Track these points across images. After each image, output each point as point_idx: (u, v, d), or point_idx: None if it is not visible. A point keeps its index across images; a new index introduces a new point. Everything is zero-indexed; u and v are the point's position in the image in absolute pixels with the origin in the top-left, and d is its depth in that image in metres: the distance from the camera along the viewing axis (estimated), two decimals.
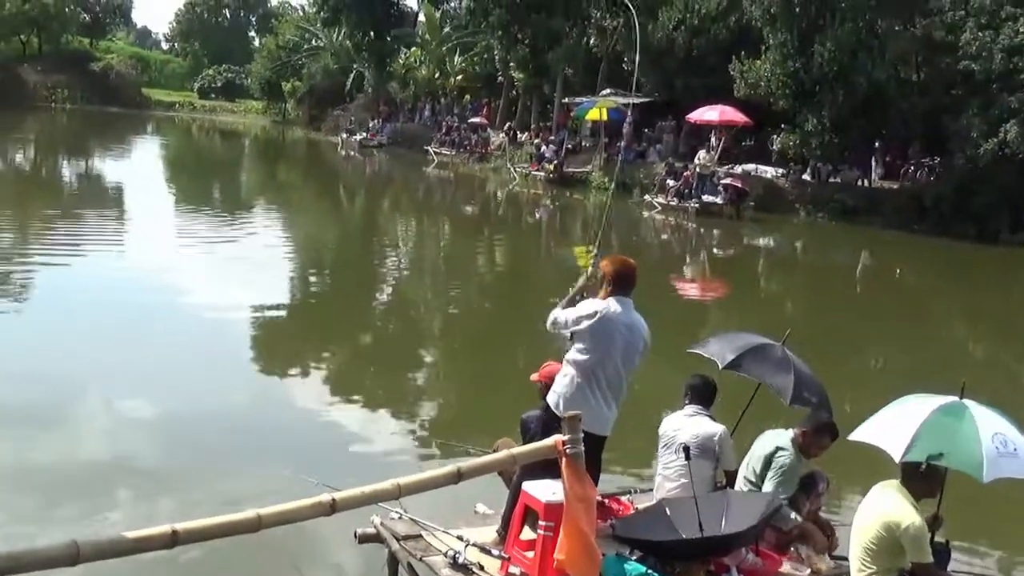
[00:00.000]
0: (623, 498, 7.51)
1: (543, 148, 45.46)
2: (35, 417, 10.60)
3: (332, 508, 4.06)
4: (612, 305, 6.72)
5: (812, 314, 21.57)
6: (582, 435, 4.86)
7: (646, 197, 37.88)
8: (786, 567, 6.58)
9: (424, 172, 50.03)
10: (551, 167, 43.17)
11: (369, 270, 23.22)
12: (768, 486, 6.89)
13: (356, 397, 12.78)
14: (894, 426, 6.26)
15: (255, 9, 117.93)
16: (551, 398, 6.78)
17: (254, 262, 21.82)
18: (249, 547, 7.70)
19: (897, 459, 6.10)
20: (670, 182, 36.87)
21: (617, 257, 7.06)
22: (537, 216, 38.80)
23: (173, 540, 3.61)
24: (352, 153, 58.38)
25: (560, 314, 6.86)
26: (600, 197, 40.37)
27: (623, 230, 35.01)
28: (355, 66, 69.15)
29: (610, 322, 6.68)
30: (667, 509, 6.58)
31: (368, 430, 11.39)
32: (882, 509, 6.09)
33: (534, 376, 7.36)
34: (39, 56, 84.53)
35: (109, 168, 44.32)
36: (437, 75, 63.01)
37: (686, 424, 7.20)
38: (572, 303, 7.01)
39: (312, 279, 22.12)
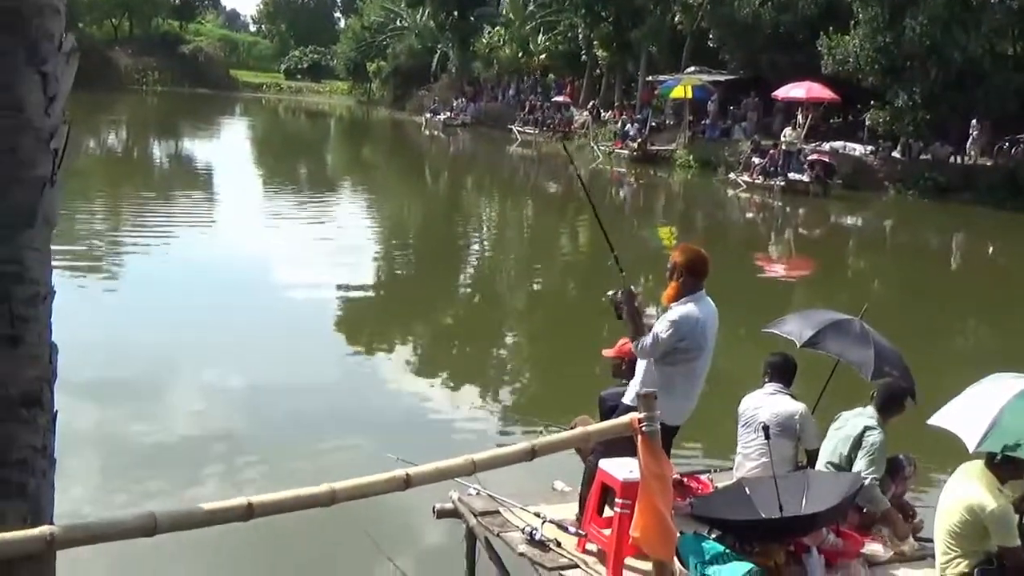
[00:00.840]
0: (703, 477, 7.46)
1: (627, 126, 45.18)
2: (127, 389, 10.92)
3: (406, 483, 4.09)
4: (699, 311, 6.59)
5: (899, 294, 21.16)
6: (658, 412, 4.85)
7: (731, 175, 37.45)
8: (868, 548, 6.49)
9: (507, 151, 50.04)
10: (635, 145, 42.89)
11: (452, 249, 23.31)
12: (859, 467, 6.76)
13: (437, 373, 12.87)
14: (971, 412, 6.09)
15: None
16: (632, 391, 6.64)
17: (340, 241, 22.05)
18: (328, 520, 7.87)
19: (971, 449, 5.96)
20: (755, 160, 36.38)
21: (688, 247, 6.91)
22: (620, 195, 38.57)
23: (249, 512, 3.66)
24: (436, 133, 58.57)
25: (645, 344, 6.57)
26: (685, 175, 40.10)
27: (708, 209, 34.81)
28: (439, 46, 69.31)
29: (704, 331, 6.59)
30: (746, 488, 6.53)
31: (448, 406, 11.49)
32: (965, 492, 5.99)
33: (608, 351, 7.32)
34: (130, 39, 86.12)
35: (199, 149, 45.09)
36: (521, 54, 62.85)
37: (766, 402, 7.12)
38: (639, 324, 6.71)
39: (396, 257, 22.30)
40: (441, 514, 7.03)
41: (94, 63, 75.87)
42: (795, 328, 7.71)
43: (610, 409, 6.80)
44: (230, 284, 16.57)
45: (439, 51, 69.32)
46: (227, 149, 45.44)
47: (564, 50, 57.67)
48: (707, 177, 38.90)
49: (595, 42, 50.52)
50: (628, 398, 6.65)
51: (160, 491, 8.36)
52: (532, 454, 4.53)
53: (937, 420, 6.29)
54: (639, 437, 4.84)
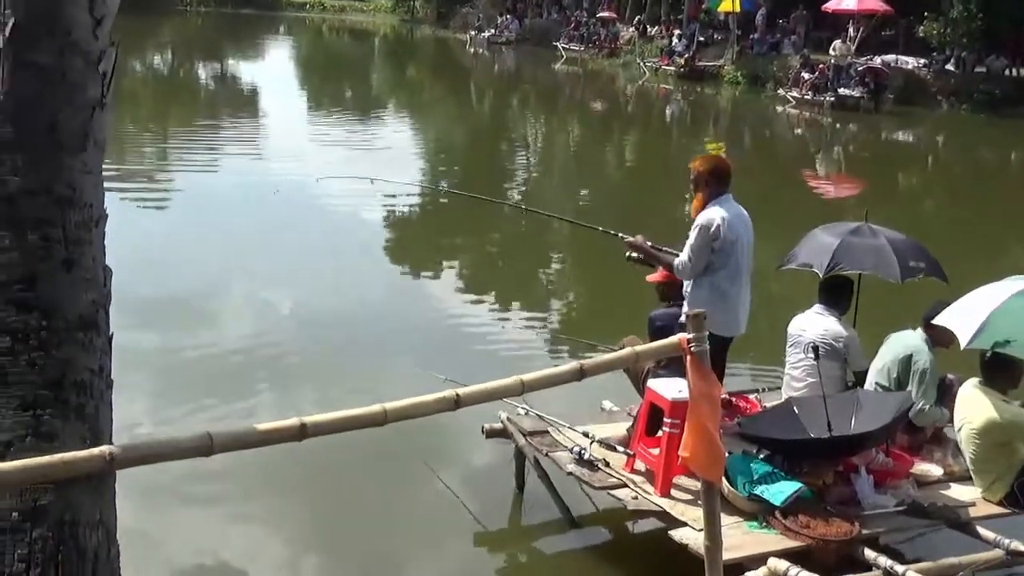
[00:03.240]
0: (751, 396, 7.45)
1: (674, 42, 44.52)
2: (178, 311, 11.01)
3: (456, 403, 4.10)
4: (724, 210, 6.60)
5: (954, 211, 20.88)
6: (707, 333, 4.83)
7: (779, 91, 36.86)
8: (918, 468, 6.47)
9: (553, 69, 49.52)
10: (682, 61, 42.26)
11: (498, 169, 23.19)
12: (914, 393, 6.70)
13: (485, 295, 12.91)
14: (969, 311, 6.03)
15: None
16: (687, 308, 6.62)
17: (385, 162, 21.97)
18: (379, 440, 7.95)
19: (963, 345, 5.91)
20: (805, 75, 35.74)
21: (706, 156, 7.03)
22: (667, 112, 38.18)
23: (302, 433, 3.69)
24: (480, 50, 57.99)
25: (683, 260, 6.64)
26: (732, 91, 39.54)
27: (756, 126, 34.38)
28: None
29: (732, 227, 6.57)
30: (795, 408, 6.52)
31: (496, 327, 11.52)
32: (974, 416, 5.98)
33: (652, 276, 7.29)
34: None
35: (244, 70, 44.95)
36: None
37: (814, 322, 7.08)
38: (663, 256, 6.89)
39: (441, 178, 22.23)
40: (490, 434, 7.09)
41: None
42: (811, 258, 7.51)
43: (658, 329, 6.79)
44: (278, 207, 16.60)
45: None
46: (272, 70, 45.24)
47: None
48: (755, 93, 38.32)
49: None
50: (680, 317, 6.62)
51: (214, 410, 8.47)
52: (581, 374, 4.54)
53: (940, 319, 6.24)
54: (688, 357, 4.83)
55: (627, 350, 4.97)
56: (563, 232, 16.96)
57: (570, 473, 6.35)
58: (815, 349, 6.61)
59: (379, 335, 10.85)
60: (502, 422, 7.00)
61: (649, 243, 7.03)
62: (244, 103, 33.19)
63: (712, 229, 6.54)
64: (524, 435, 6.79)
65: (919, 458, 6.60)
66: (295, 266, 13.07)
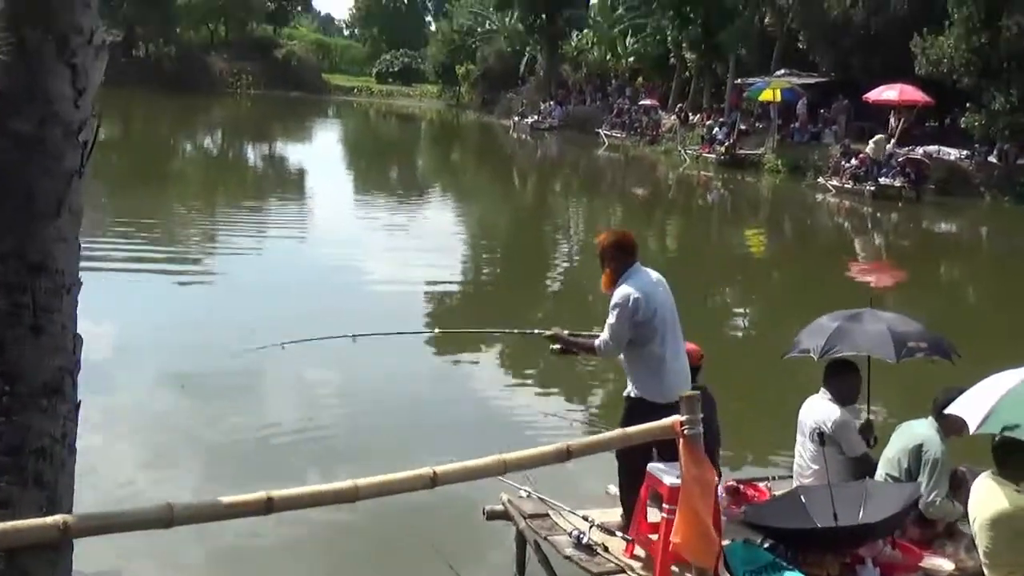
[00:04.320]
0: (761, 484, 7.30)
1: (715, 130, 44.74)
2: (228, 384, 11.05)
3: (433, 481, 4.04)
4: (637, 284, 6.59)
5: (996, 304, 20.54)
6: (701, 416, 4.75)
7: (819, 179, 36.79)
8: (928, 562, 6.26)
9: (595, 155, 49.91)
10: (722, 149, 42.41)
11: (539, 253, 23.18)
12: (924, 484, 6.53)
13: (519, 374, 12.73)
14: (978, 397, 5.85)
15: None
16: (639, 391, 6.60)
17: (429, 245, 22.07)
18: (383, 515, 7.90)
19: (971, 430, 5.74)
20: (845, 164, 35.69)
21: (610, 230, 7.01)
22: (708, 199, 38.20)
23: (268, 507, 3.64)
24: (524, 136, 58.60)
25: (604, 340, 6.66)
26: (773, 179, 39.55)
27: (796, 214, 34.29)
28: (527, 49, 69.43)
29: (649, 299, 6.55)
30: (802, 496, 6.37)
31: (528, 406, 11.31)
32: (988, 510, 5.80)
33: None
34: (225, 44, 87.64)
35: (292, 152, 45.63)
36: (608, 57, 62.63)
37: (811, 408, 6.96)
38: (581, 342, 7.00)
39: (484, 263, 22.24)
40: (491, 515, 6.99)
41: (191, 67, 77.69)
42: (809, 343, 7.36)
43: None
44: (323, 286, 16.71)
45: (527, 54, 69.48)
46: (319, 152, 45.98)
47: (652, 53, 57.28)
48: (795, 182, 38.29)
49: (683, 44, 50.18)
50: (639, 392, 6.64)
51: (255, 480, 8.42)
52: (568, 455, 4.47)
53: (951, 407, 6.08)
54: (680, 440, 4.75)
55: (617, 432, 4.91)
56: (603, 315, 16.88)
57: (568, 557, 6.23)
58: (820, 436, 6.48)
59: (413, 411, 10.77)
60: (503, 504, 6.91)
61: (566, 332, 7.11)
62: (291, 185, 33.73)
63: (630, 306, 6.49)
64: (524, 517, 6.69)
65: (930, 552, 6.40)
66: (337, 348, 12.74)
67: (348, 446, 9.85)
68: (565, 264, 22.45)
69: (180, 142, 47.13)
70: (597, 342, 6.71)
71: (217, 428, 10.08)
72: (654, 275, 6.77)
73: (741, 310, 18.92)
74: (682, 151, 45.71)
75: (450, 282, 18.46)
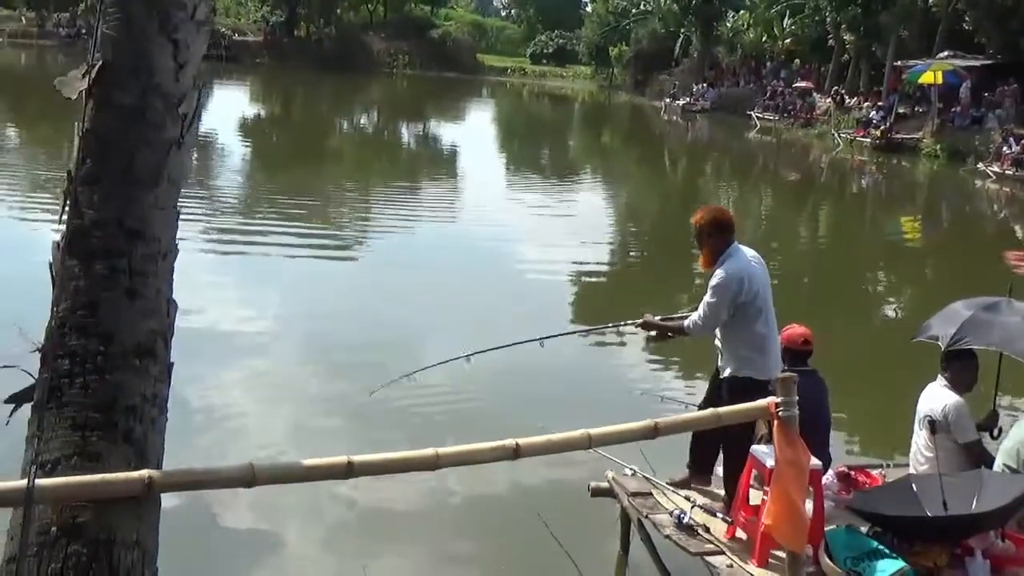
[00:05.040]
0: (874, 472, 7.13)
1: (871, 113, 43.52)
2: (375, 356, 11.09)
3: (516, 453, 4.08)
4: (739, 264, 6.55)
5: None
6: (796, 398, 4.68)
7: (979, 165, 35.48)
8: None
9: (746, 137, 49.11)
10: (878, 133, 41.22)
11: (688, 237, 22.83)
12: None
13: (664, 357, 12.54)
14: None
15: None
16: (745, 370, 6.55)
17: (578, 226, 21.97)
18: (498, 490, 8.02)
19: None
20: (1007, 149, 34.34)
21: (706, 207, 6.91)
22: (862, 184, 37.19)
23: (348, 471, 3.74)
24: (675, 118, 58.01)
25: (697, 319, 6.61)
26: (930, 165, 38.32)
27: (954, 201, 33.13)
28: (682, 30, 68.69)
29: (752, 279, 6.53)
30: (913, 485, 6.20)
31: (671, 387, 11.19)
32: None
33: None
34: (383, 24, 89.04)
35: (446, 132, 46.03)
36: (764, 38, 61.48)
37: (926, 396, 6.76)
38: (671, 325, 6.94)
39: (632, 246, 22.09)
40: (596, 492, 7.01)
41: (350, 47, 79.24)
42: (939, 330, 7.09)
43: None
44: (473, 266, 16.88)
45: (682, 35, 68.70)
46: (472, 132, 46.22)
47: (810, 34, 56.04)
48: (954, 168, 37.03)
49: (842, 25, 48.93)
50: (724, 372, 6.69)
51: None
52: (655, 432, 4.47)
53: None
54: (775, 422, 4.70)
55: (708, 411, 4.86)
56: None
57: (667, 536, 6.21)
58: (932, 424, 6.31)
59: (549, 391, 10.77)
60: (608, 481, 6.92)
61: (657, 317, 7.06)
62: (444, 165, 34.03)
63: (733, 287, 6.46)
64: (628, 495, 6.68)
65: None
66: (481, 325, 12.66)
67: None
68: None
69: (337, 121, 48.11)
70: (687, 322, 6.69)
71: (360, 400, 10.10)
72: (751, 253, 6.73)
73: (885, 296, 18.45)
74: (836, 134, 44.65)
75: (597, 263, 18.34)
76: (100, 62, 3.65)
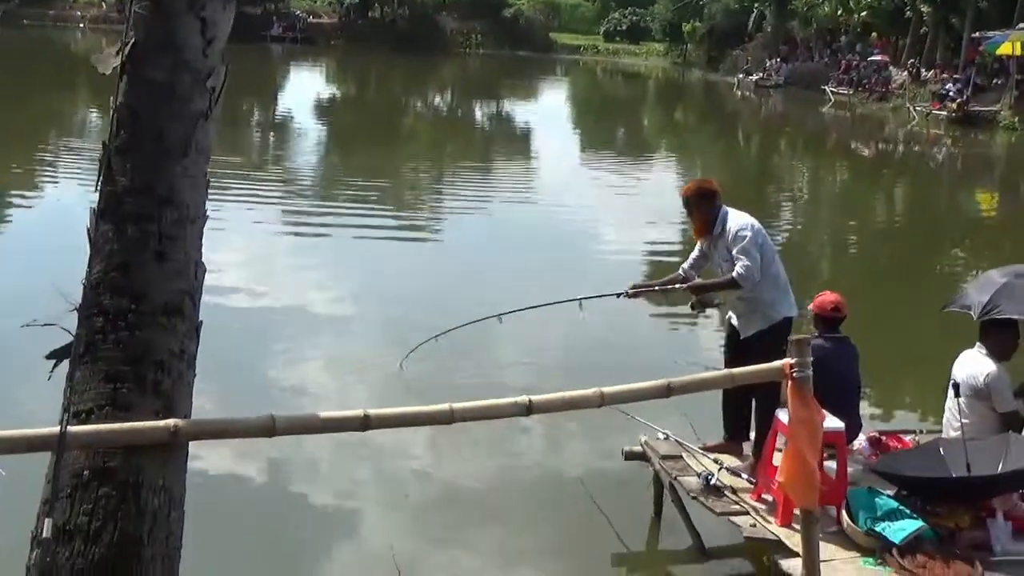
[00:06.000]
0: (906, 438, 7.21)
1: (947, 86, 42.81)
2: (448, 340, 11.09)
3: (528, 410, 4.26)
4: (736, 215, 7.03)
5: None
6: (810, 359, 4.80)
7: None
8: None
9: (820, 112, 48.62)
10: (953, 106, 40.56)
11: (761, 213, 22.56)
12: None
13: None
14: None
15: None
16: (784, 312, 6.89)
17: (651, 206, 21.85)
18: (539, 453, 8.23)
19: None
20: None
21: (692, 181, 7.37)
22: (937, 158, 36.59)
23: (365, 424, 3.95)
24: (748, 94, 57.58)
25: (742, 269, 6.75)
26: (1008, 138, 37.63)
27: None
28: (756, 5, 68.00)
29: (756, 222, 7.04)
30: (940, 448, 6.29)
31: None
32: None
33: (809, 306, 7.17)
34: (456, 4, 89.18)
35: (519, 111, 46.04)
36: (840, 11, 60.58)
37: (965, 362, 6.79)
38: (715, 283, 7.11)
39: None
40: (629, 456, 7.18)
41: (423, 28, 79.54)
42: (972, 298, 7.09)
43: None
44: (543, 246, 16.83)
45: (756, 10, 68.04)
46: (546, 111, 46.07)
47: (886, 6, 55.14)
48: None
49: None
50: (751, 328, 6.95)
51: None
52: (668, 391, 4.62)
53: None
54: (789, 383, 4.83)
55: (723, 372, 5.01)
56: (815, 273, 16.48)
57: (695, 497, 6.37)
58: (956, 387, 6.38)
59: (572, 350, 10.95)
60: (641, 445, 7.09)
61: (698, 280, 7.20)
62: (517, 144, 34.00)
63: (753, 232, 6.86)
64: (659, 458, 6.85)
65: None
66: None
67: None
68: (791, 224, 21.95)
69: (412, 101, 48.46)
70: (734, 274, 6.81)
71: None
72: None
73: (952, 270, 18.22)
74: (911, 108, 43.99)
75: (667, 243, 18.22)
76: (132, 40, 3.88)
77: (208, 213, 4.08)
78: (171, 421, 3.65)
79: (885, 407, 9.69)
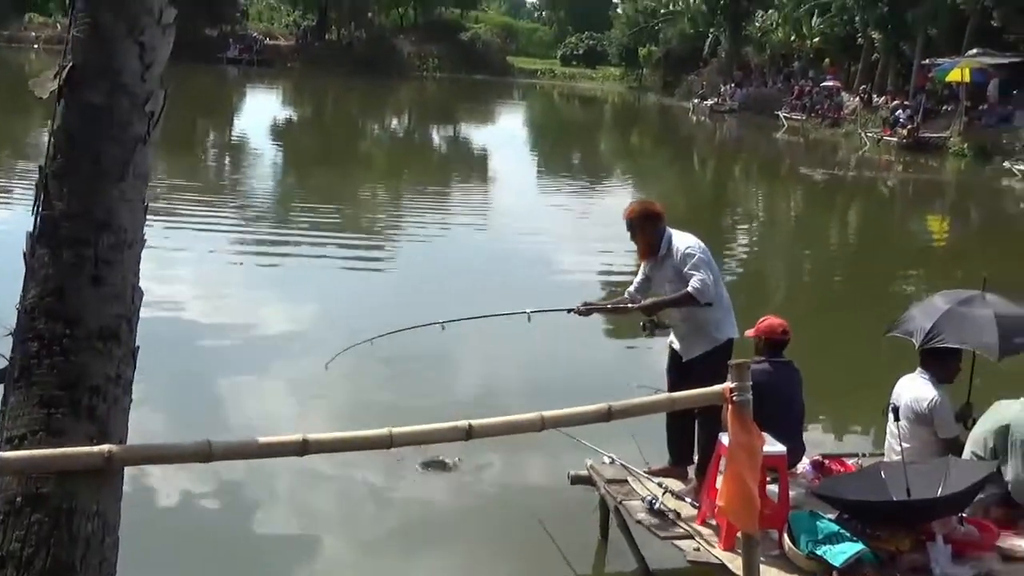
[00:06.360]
0: (849, 461, 7.27)
1: (898, 112, 43.40)
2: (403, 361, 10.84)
3: (468, 434, 4.24)
4: (681, 235, 7.11)
5: None
6: (750, 383, 4.83)
7: (1006, 164, 35.29)
8: (1005, 541, 6.13)
9: (774, 137, 49.12)
10: (904, 132, 41.12)
11: (716, 237, 22.65)
12: (1012, 466, 6.41)
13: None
14: None
15: None
16: (728, 333, 6.99)
17: (609, 233, 21.68)
18: (488, 477, 8.23)
19: None
20: None
21: (635, 202, 7.48)
22: (888, 183, 36.99)
23: (303, 449, 3.93)
24: (703, 119, 58.11)
25: (699, 285, 6.79)
26: (957, 164, 38.16)
27: (981, 200, 32.96)
28: (711, 30, 68.74)
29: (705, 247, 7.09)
30: (882, 472, 6.35)
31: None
32: None
33: (750, 332, 7.20)
34: (414, 27, 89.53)
35: (476, 134, 46.13)
36: (793, 37, 61.38)
37: (906, 387, 6.87)
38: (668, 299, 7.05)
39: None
40: (575, 480, 7.19)
41: (380, 51, 79.65)
42: (914, 324, 7.14)
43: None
44: (496, 268, 16.81)
45: (710, 35, 68.78)
46: (503, 134, 46.17)
47: (839, 33, 55.88)
48: (981, 166, 36.91)
49: (870, 24, 48.80)
50: (695, 351, 7.01)
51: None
52: (608, 415, 4.63)
53: None
54: (729, 406, 4.86)
55: (664, 396, 5.04)
56: (777, 300, 16.53)
57: (639, 521, 6.38)
58: (895, 411, 6.44)
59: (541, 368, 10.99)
60: (587, 469, 7.10)
61: (652, 298, 7.23)
62: (474, 167, 34.05)
63: (702, 251, 6.95)
64: (604, 483, 6.87)
65: (1011, 531, 6.27)
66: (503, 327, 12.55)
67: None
68: (744, 249, 22.08)
69: (368, 123, 48.45)
70: (689, 289, 6.82)
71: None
72: None
73: (901, 293, 18.37)
74: (863, 134, 44.56)
75: (624, 266, 18.18)
76: (71, 63, 3.87)
77: (146, 238, 4.07)
78: (105, 447, 3.62)
79: (829, 431, 9.79)
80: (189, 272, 14.50)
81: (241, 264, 15.78)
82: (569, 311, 7.36)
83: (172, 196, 19.97)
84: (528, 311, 7.31)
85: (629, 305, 7.25)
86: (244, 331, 12.15)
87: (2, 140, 29.29)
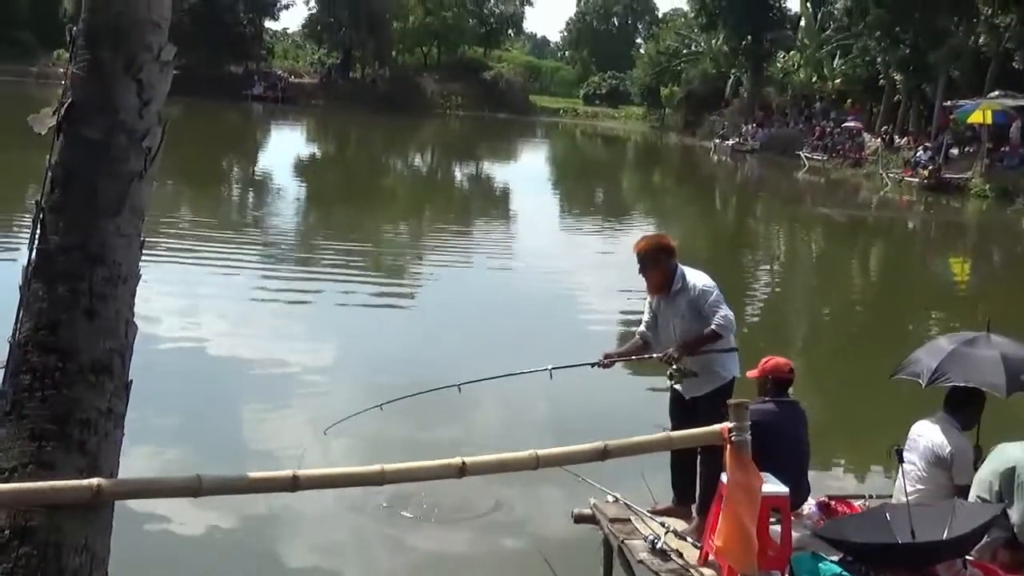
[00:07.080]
0: (856, 503, 7.20)
1: (919, 153, 43.34)
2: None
3: (461, 472, 4.23)
4: (693, 272, 7.06)
5: None
6: (749, 423, 4.80)
7: None
8: None
9: (795, 177, 49.08)
10: (925, 173, 41.03)
11: (737, 276, 22.57)
12: (1018, 508, 6.34)
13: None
14: None
15: (642, 16, 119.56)
16: (734, 371, 6.93)
17: (630, 272, 21.58)
18: (491, 510, 8.20)
19: None
20: None
21: (646, 237, 7.37)
22: (909, 224, 36.89)
23: (294, 485, 3.93)
24: (724, 158, 58.19)
25: (722, 321, 6.75)
26: (979, 205, 38.03)
27: (1003, 241, 32.81)
28: (732, 71, 68.94)
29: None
30: (886, 514, 6.28)
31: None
32: None
33: (752, 372, 7.12)
34: (437, 66, 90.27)
35: (498, 172, 46.32)
36: (815, 79, 61.52)
37: (927, 430, 6.79)
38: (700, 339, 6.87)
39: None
40: (578, 519, 7.15)
41: (404, 89, 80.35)
42: (920, 366, 7.07)
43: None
44: (518, 309, 16.78)
45: (732, 76, 68.95)
46: (525, 173, 46.32)
47: (860, 74, 55.97)
48: (1003, 207, 36.74)
49: (892, 66, 48.83)
50: (703, 388, 6.89)
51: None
52: (604, 454, 4.60)
53: None
54: (728, 446, 4.83)
55: (661, 434, 5.02)
56: (795, 341, 16.50)
57: (640, 561, 6.34)
58: (899, 453, 6.38)
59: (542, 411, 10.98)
60: (590, 508, 7.07)
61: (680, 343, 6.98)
62: (496, 205, 34.23)
63: (717, 288, 6.90)
64: (608, 522, 6.83)
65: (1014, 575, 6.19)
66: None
67: None
68: (765, 289, 22.01)
69: (391, 160, 48.72)
70: (714, 326, 6.75)
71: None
72: None
73: (917, 335, 18.25)
74: (884, 174, 44.48)
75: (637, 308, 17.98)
76: (69, 100, 3.92)
77: (141, 273, 4.09)
78: (94, 480, 3.62)
79: (836, 472, 9.72)
80: (206, 307, 14.57)
81: (263, 301, 15.73)
82: (593, 365, 7.17)
83: (195, 232, 20.13)
84: (550, 368, 7.06)
85: (655, 355, 7.07)
86: (252, 375, 12.08)
87: (30, 175, 29.50)
